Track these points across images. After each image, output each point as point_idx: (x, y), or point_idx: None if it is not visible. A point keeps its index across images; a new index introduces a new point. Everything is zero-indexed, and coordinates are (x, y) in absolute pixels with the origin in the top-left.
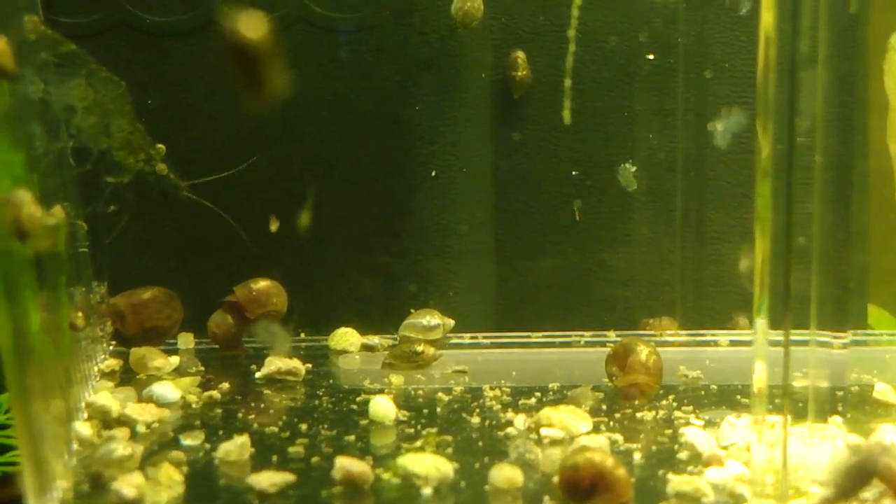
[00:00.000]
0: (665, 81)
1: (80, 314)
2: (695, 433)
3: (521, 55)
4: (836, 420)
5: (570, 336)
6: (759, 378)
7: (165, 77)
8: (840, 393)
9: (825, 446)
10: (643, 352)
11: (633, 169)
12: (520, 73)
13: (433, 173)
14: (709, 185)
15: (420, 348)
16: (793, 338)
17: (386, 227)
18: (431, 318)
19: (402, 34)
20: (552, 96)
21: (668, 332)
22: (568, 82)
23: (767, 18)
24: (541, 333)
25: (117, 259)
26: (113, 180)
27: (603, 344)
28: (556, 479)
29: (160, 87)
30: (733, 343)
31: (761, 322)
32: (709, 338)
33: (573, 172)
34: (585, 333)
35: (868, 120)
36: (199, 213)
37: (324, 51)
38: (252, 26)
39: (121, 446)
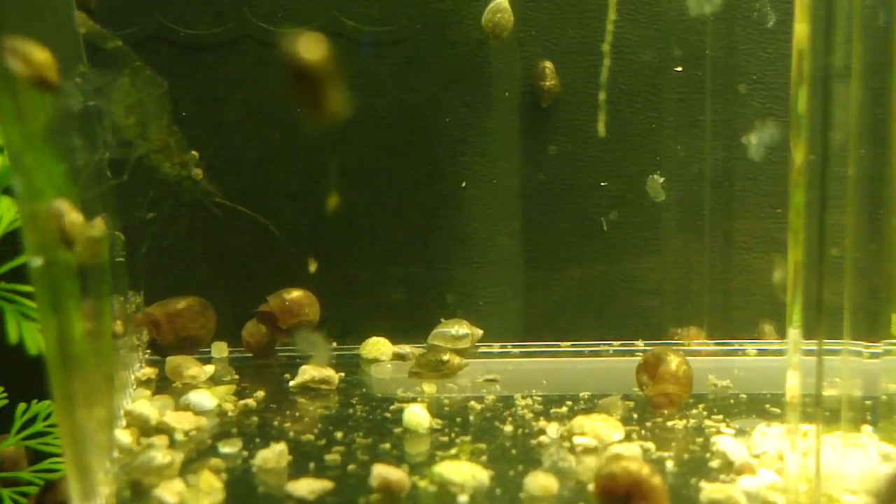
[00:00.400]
0: (693, 93)
1: (119, 322)
2: (726, 442)
3: (549, 65)
4: (867, 429)
5: (598, 345)
6: (793, 387)
7: (199, 90)
8: (868, 402)
9: (858, 455)
10: (673, 362)
11: (662, 180)
12: (548, 83)
13: (463, 184)
14: (737, 196)
15: (446, 357)
16: (825, 347)
17: (416, 237)
18: (460, 328)
19: (433, 47)
20: (579, 107)
21: (696, 341)
22: (603, 96)
23: (801, 30)
24: (569, 343)
25: (152, 269)
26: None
27: (632, 353)
28: (590, 486)
29: (194, 100)
30: (761, 352)
31: (794, 332)
32: (736, 347)
33: (602, 183)
34: (614, 343)
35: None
36: (232, 223)
37: (356, 63)
38: (312, 47)
39: (160, 454)
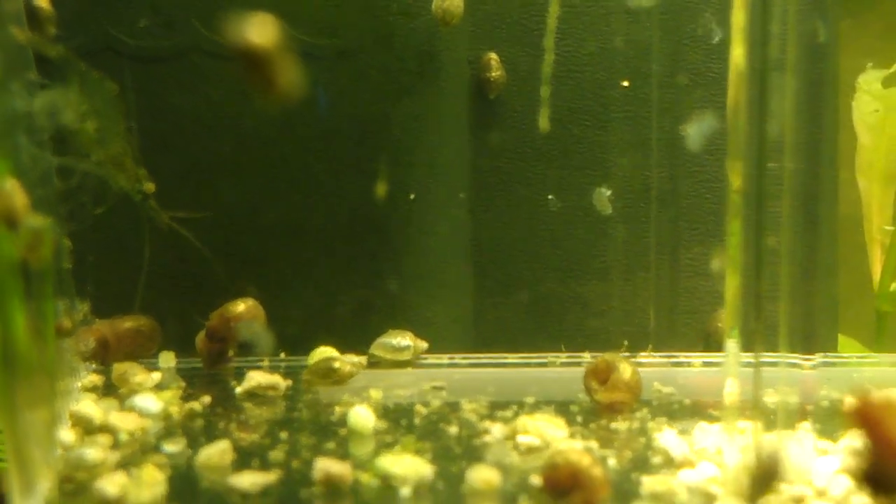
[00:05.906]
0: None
1: (65, 326)
2: (668, 438)
3: (494, 56)
4: (804, 426)
5: (545, 357)
6: (731, 393)
7: (149, 102)
8: (810, 407)
9: (795, 448)
10: (627, 370)
11: (609, 193)
12: (494, 74)
13: (412, 196)
14: (682, 215)
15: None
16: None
17: (366, 249)
18: (402, 339)
19: (381, 59)
20: (528, 113)
21: (643, 354)
22: (545, 90)
23: (738, 53)
24: (517, 355)
25: (100, 278)
26: (99, 210)
27: (578, 364)
28: (533, 480)
29: (143, 112)
30: (706, 364)
31: (732, 343)
32: (682, 359)
33: (549, 196)
34: (561, 355)
35: (837, 155)
36: (183, 235)
37: (304, 77)
38: (260, 31)
39: (93, 450)
